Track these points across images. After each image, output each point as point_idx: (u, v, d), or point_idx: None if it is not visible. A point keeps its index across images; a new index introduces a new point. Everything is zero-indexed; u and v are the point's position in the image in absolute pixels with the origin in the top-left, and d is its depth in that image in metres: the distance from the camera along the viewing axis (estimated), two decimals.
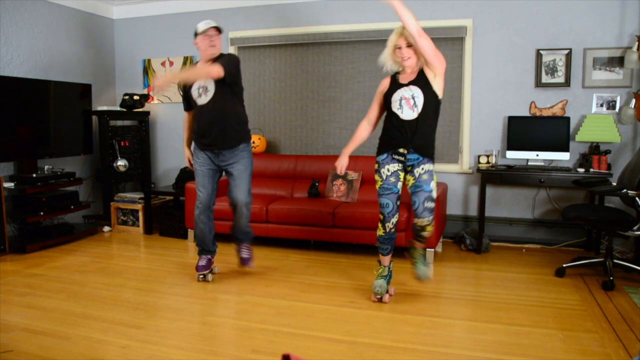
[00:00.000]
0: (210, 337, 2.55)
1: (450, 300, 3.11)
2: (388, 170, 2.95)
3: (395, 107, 2.88)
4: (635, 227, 3.15)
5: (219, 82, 3.19)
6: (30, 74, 4.63)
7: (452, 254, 4.15)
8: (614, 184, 3.66)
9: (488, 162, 4.27)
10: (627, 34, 4.04)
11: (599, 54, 4.12)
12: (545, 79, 4.26)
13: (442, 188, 4.16)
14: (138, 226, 4.97)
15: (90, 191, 5.35)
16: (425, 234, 2.91)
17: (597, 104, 4.17)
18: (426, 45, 2.72)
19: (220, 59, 3.22)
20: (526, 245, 4.39)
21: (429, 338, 2.53)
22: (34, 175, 4.33)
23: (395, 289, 3.19)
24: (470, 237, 4.26)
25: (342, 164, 3.05)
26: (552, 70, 4.24)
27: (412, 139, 2.86)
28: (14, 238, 4.31)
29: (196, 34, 3.21)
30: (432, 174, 2.88)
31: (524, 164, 4.22)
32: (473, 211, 4.57)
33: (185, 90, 3.36)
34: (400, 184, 2.97)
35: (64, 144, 4.77)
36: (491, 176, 4.14)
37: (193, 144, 3.44)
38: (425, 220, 2.85)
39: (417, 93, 2.82)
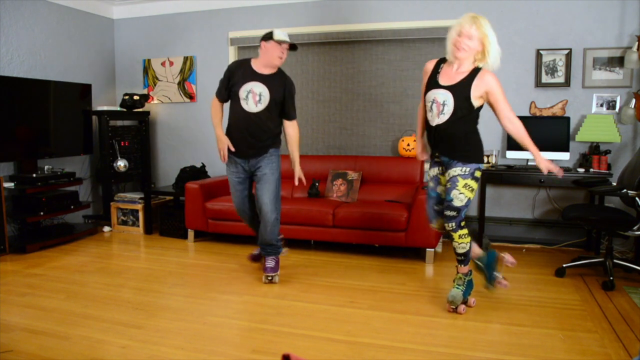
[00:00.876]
0: (210, 337, 2.54)
1: None
2: (429, 175, 2.93)
3: (427, 109, 2.77)
4: (635, 227, 3.15)
5: (275, 98, 3.17)
6: (30, 74, 4.63)
7: (452, 254, 4.10)
8: (614, 184, 3.66)
9: (488, 162, 4.27)
10: (627, 34, 4.04)
11: (599, 54, 4.12)
12: (545, 79, 4.27)
13: None
14: (138, 226, 4.97)
15: (90, 191, 5.35)
16: (454, 244, 2.80)
17: (597, 104, 4.17)
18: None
19: (287, 86, 3.22)
20: (526, 245, 4.39)
21: (429, 338, 2.53)
22: (34, 175, 4.33)
23: (401, 290, 3.19)
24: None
25: (421, 153, 3.01)
26: (552, 70, 4.24)
27: (438, 144, 2.77)
28: (14, 238, 4.31)
29: (270, 38, 3.12)
30: (455, 181, 2.70)
31: (524, 164, 4.23)
32: (473, 211, 4.56)
33: (230, 81, 3.20)
34: (440, 188, 2.87)
35: (64, 144, 4.77)
36: (491, 176, 4.14)
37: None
38: (447, 226, 2.76)
39: (449, 100, 2.65)
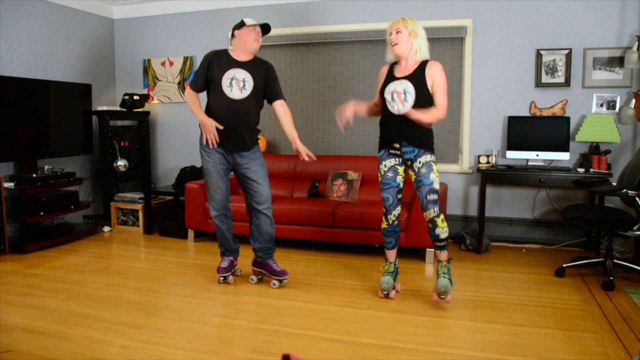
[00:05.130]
0: (210, 337, 2.55)
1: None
2: (385, 165, 3.01)
3: (387, 100, 2.93)
4: (635, 227, 3.15)
5: (258, 83, 3.17)
6: (30, 74, 4.63)
7: (452, 253, 4.13)
8: (614, 184, 3.66)
9: (488, 162, 4.27)
10: (627, 34, 4.04)
11: (599, 54, 4.12)
12: (545, 79, 4.26)
13: (442, 188, 4.16)
14: (138, 226, 4.96)
15: (90, 191, 5.35)
16: (439, 230, 2.90)
17: (597, 104, 4.17)
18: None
19: (267, 70, 3.23)
20: (526, 245, 4.39)
21: (429, 338, 2.53)
22: (34, 175, 4.33)
23: (401, 290, 3.19)
24: (470, 237, 4.27)
25: (345, 111, 3.00)
26: (552, 70, 4.24)
27: (402, 133, 2.90)
28: (14, 238, 4.31)
29: (243, 25, 3.15)
30: (430, 166, 2.88)
31: (524, 164, 4.22)
32: (473, 211, 4.57)
33: (209, 71, 3.15)
34: (399, 178, 3.00)
35: (64, 144, 4.77)
36: (491, 176, 4.14)
37: (202, 141, 3.21)
38: (432, 212, 2.86)
39: (409, 88, 2.86)
